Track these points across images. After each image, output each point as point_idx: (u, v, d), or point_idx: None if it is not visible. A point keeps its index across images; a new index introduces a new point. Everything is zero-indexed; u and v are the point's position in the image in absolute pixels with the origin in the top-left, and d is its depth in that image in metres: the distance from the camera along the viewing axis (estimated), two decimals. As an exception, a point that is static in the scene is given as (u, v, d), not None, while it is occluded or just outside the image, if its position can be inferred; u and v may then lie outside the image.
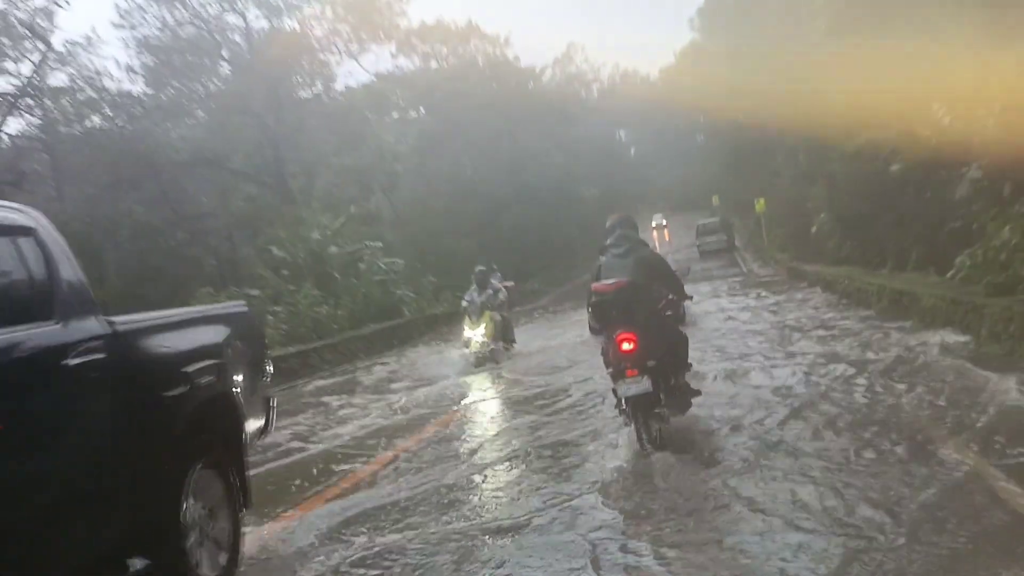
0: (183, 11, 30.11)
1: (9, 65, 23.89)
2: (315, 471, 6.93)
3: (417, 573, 4.13)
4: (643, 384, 5.57)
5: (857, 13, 14.88)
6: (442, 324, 22.50)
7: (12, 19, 22.87)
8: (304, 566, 4.44)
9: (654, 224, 50.50)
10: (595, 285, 6.00)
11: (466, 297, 13.67)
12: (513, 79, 50.70)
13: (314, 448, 8.02)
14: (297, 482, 6.59)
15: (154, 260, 26.59)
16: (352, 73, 63.05)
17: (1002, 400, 5.91)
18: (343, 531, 4.96)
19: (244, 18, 31.24)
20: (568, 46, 69.42)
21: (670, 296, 6.49)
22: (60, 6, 22.87)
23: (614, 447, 6.07)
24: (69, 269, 3.43)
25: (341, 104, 34.99)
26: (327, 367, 16.07)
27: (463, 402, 9.84)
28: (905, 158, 12.96)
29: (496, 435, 7.52)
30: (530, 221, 44.08)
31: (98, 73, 27.50)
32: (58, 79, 26.14)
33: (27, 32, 23.12)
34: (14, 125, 24.89)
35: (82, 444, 3.19)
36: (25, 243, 3.26)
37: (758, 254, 34.80)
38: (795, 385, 7.65)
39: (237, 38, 31.86)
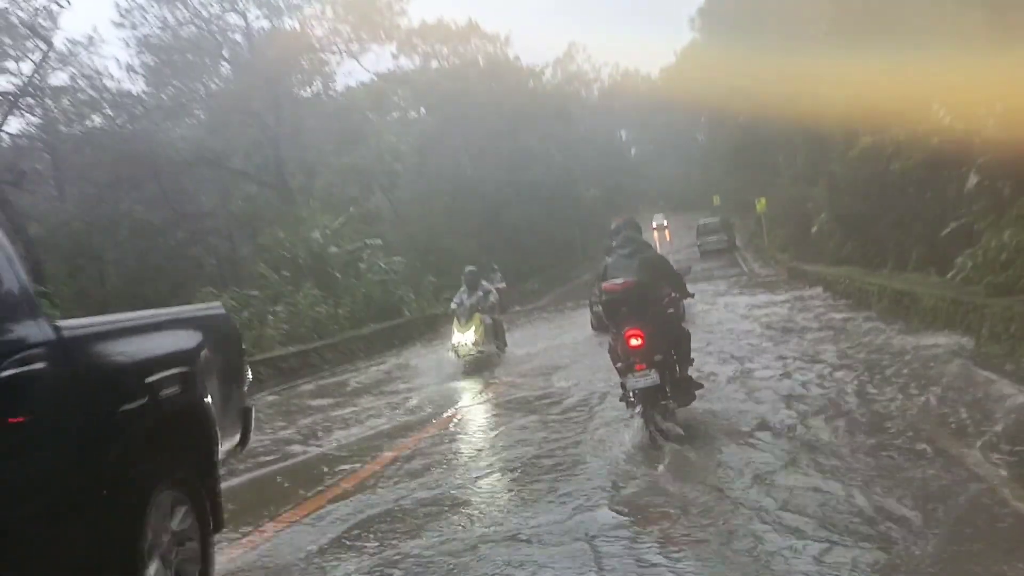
0: (184, 10, 30.11)
1: (10, 64, 23.91)
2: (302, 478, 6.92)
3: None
4: (651, 377, 5.95)
5: (858, 13, 14.88)
6: (442, 324, 22.39)
7: (14, 19, 22.86)
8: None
9: (655, 224, 50.53)
10: (605, 284, 6.38)
11: (455, 299, 13.05)
12: (513, 78, 50.70)
13: (305, 455, 8.01)
14: (299, 488, 6.58)
15: (154, 259, 26.59)
16: (352, 73, 63.18)
17: (1004, 400, 5.91)
18: (348, 536, 4.94)
19: (245, 18, 31.26)
20: (569, 45, 69.61)
21: (673, 294, 6.85)
22: (61, 5, 22.82)
23: (620, 444, 6.10)
24: (4, 265, 3.04)
25: (341, 103, 34.99)
26: (327, 367, 16.08)
27: (460, 405, 9.80)
28: (905, 158, 12.96)
29: (497, 436, 7.52)
30: (530, 221, 44.09)
31: (99, 73, 27.51)
32: (59, 78, 26.15)
33: (28, 31, 23.09)
34: (15, 124, 24.88)
35: (16, 468, 2.75)
36: None
37: (759, 254, 34.80)
38: (796, 385, 7.65)
39: (238, 38, 31.87)
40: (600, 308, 9.39)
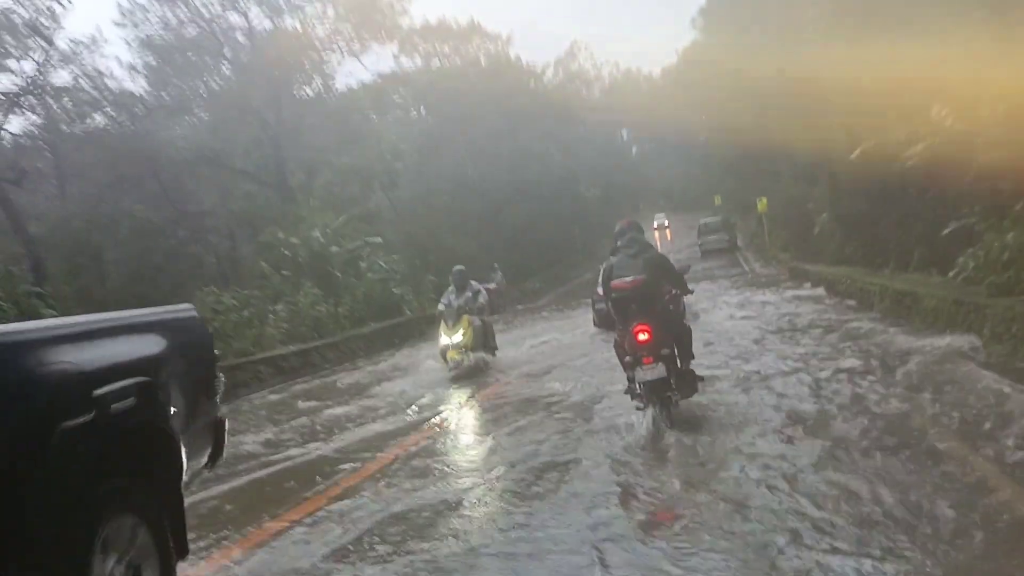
0: (185, 10, 30.11)
1: (12, 63, 23.92)
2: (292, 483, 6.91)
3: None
4: (658, 370, 6.35)
5: (859, 14, 14.87)
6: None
7: (16, 18, 22.88)
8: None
9: (656, 224, 50.55)
10: (615, 282, 6.73)
11: (442, 300, 12.39)
12: (515, 78, 50.73)
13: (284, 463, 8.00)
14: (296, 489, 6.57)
15: (155, 259, 26.60)
16: (353, 72, 63.20)
17: (1006, 400, 5.89)
18: (348, 537, 4.93)
19: (246, 17, 31.22)
20: (571, 44, 69.76)
21: (674, 291, 7.22)
22: (63, 5, 22.83)
23: (625, 436, 6.32)
24: None
25: (342, 103, 34.98)
26: (328, 366, 16.08)
27: (460, 405, 9.80)
28: (906, 158, 12.93)
29: (497, 436, 7.51)
30: (531, 220, 44.07)
31: (100, 72, 27.49)
32: (61, 78, 26.13)
33: (30, 31, 23.11)
34: (17, 123, 24.93)
35: None
36: None
37: (760, 254, 34.76)
38: (796, 384, 7.63)
39: (239, 37, 31.83)
40: (603, 306, 9.86)
